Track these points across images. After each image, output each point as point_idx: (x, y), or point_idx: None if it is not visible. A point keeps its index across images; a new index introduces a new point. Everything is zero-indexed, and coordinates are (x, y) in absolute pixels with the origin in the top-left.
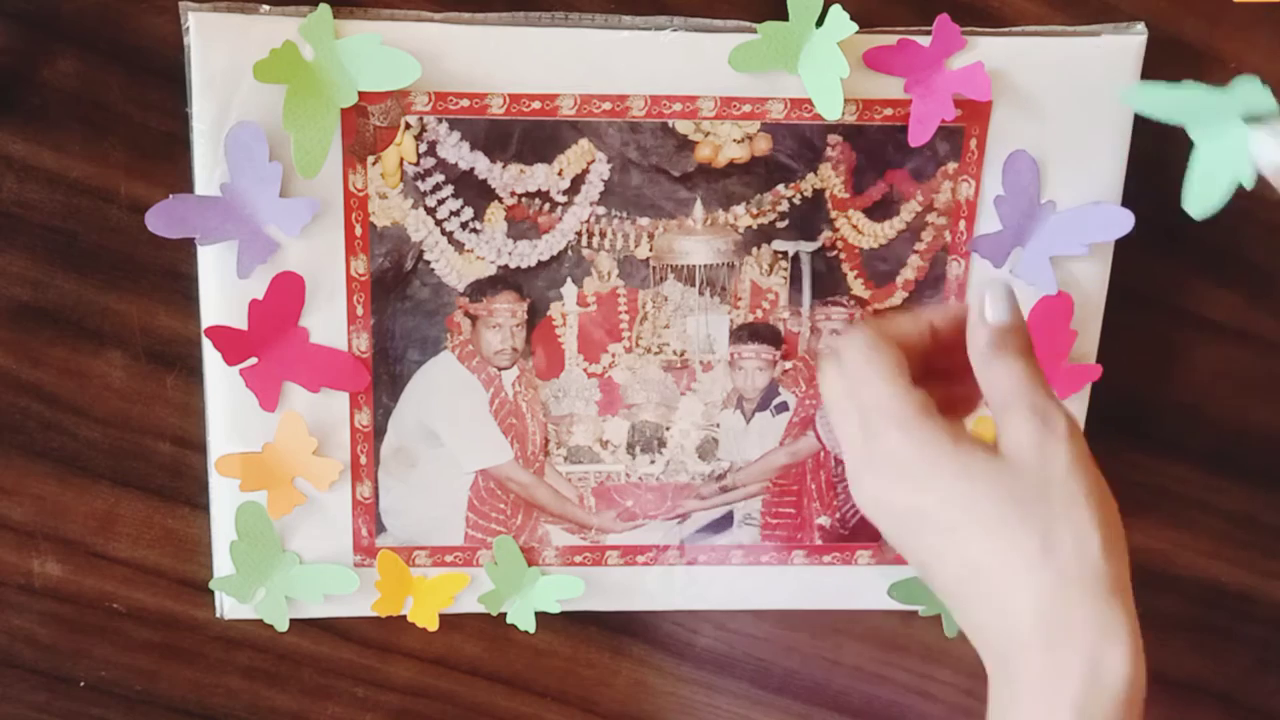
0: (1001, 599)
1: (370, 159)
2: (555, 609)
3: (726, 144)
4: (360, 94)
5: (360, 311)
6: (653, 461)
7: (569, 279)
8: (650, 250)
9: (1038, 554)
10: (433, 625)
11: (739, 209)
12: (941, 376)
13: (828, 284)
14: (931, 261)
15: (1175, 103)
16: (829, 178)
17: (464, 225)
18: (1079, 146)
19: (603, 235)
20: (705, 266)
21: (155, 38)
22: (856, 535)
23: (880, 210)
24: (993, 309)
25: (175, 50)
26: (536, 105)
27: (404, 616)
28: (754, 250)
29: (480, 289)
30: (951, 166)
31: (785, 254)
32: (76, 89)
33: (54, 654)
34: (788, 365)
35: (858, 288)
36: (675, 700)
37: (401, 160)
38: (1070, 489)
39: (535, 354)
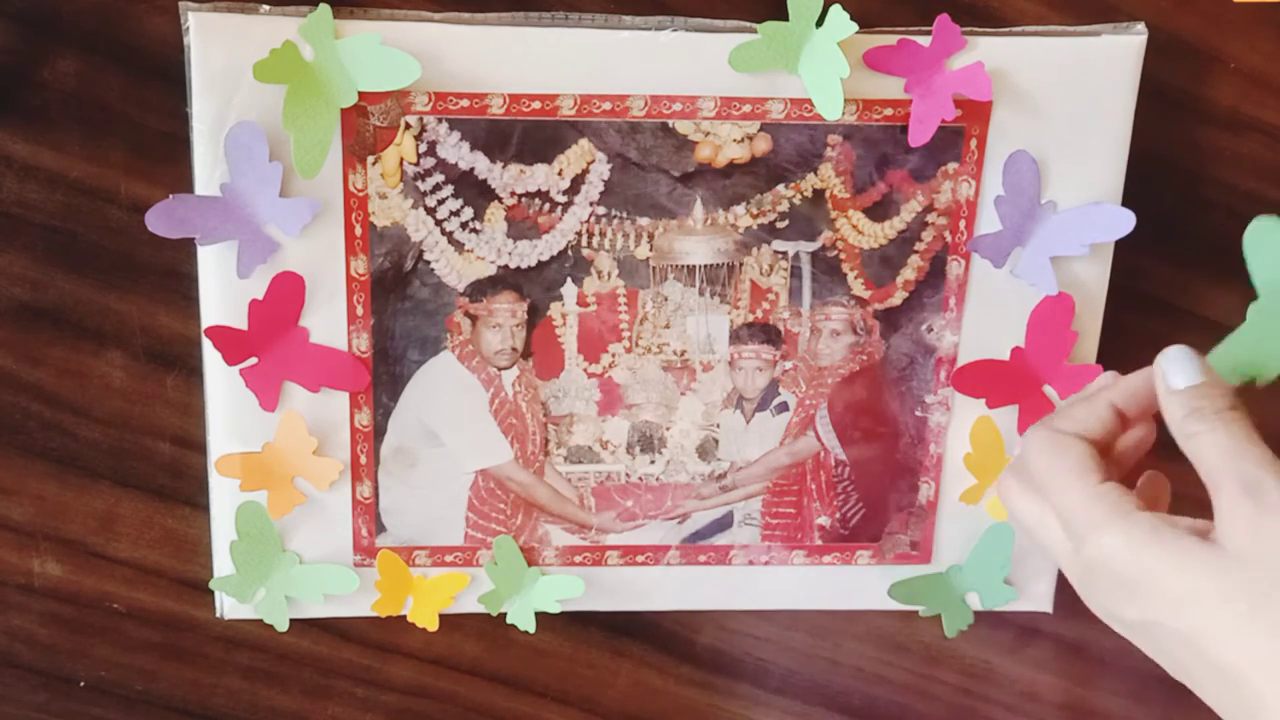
0: (1257, 707)
1: (370, 159)
2: (555, 609)
3: (726, 144)
4: (360, 94)
5: (360, 311)
6: (653, 461)
7: (569, 279)
8: (650, 250)
9: (1276, 652)
10: (433, 625)
11: (739, 209)
12: (1136, 458)
13: (828, 284)
14: (931, 261)
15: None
16: (829, 178)
17: (464, 225)
18: (1079, 146)
19: (603, 235)
20: (705, 266)
21: (155, 38)
22: (856, 535)
23: (880, 210)
24: (1176, 374)
25: (175, 50)
26: (536, 105)
27: (404, 616)
28: (754, 250)
29: (480, 289)
30: (951, 166)
31: (785, 254)
32: (76, 89)
33: (54, 654)
34: (788, 365)
35: (858, 288)
36: (675, 700)
37: (401, 160)
38: None
39: (535, 354)
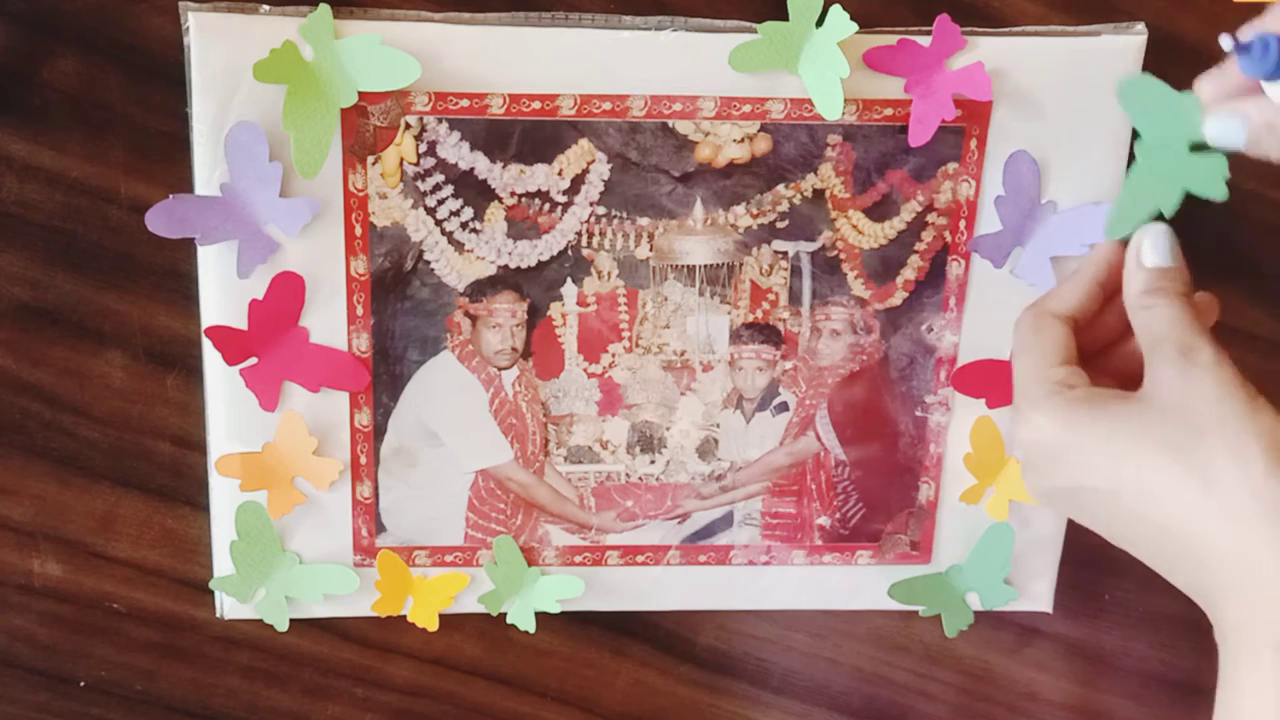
0: (1187, 554)
1: (370, 159)
2: (555, 609)
3: (726, 144)
4: (360, 94)
5: (360, 311)
6: (653, 461)
7: (569, 279)
8: (650, 250)
9: (1200, 496)
10: (433, 625)
11: (739, 209)
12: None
13: (828, 284)
14: (931, 261)
15: (1157, 109)
16: (829, 178)
17: (464, 225)
18: (1079, 146)
19: (603, 235)
20: (705, 266)
21: (155, 38)
22: (856, 535)
23: (880, 210)
24: (1151, 253)
25: (175, 50)
26: (536, 105)
27: (404, 616)
28: (754, 250)
29: (480, 289)
30: (951, 166)
31: (785, 254)
32: (76, 89)
33: (54, 654)
34: (788, 365)
35: (858, 288)
36: (675, 700)
37: (401, 160)
38: (1221, 414)
39: (535, 354)
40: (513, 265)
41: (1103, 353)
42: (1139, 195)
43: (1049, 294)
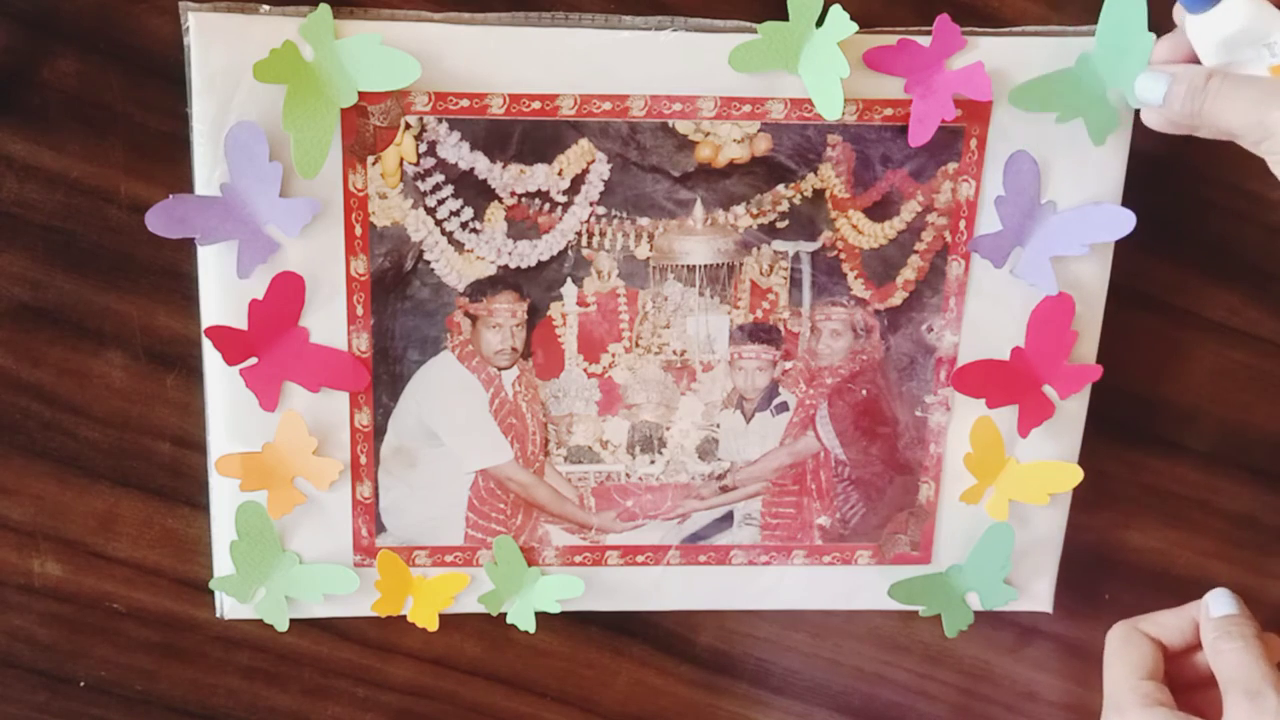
0: None
1: (370, 159)
2: (555, 609)
3: (726, 144)
4: (360, 94)
5: (360, 311)
6: (653, 461)
7: (569, 279)
8: (650, 250)
9: None
10: (433, 625)
11: (739, 209)
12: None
13: (828, 284)
14: (931, 261)
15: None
16: (829, 178)
17: (464, 225)
18: (1079, 146)
19: (603, 235)
20: (705, 266)
21: (155, 38)
22: (856, 535)
23: (880, 210)
24: (1215, 606)
25: (175, 50)
26: (536, 105)
27: (404, 616)
28: (754, 250)
29: (480, 289)
30: (951, 166)
31: (785, 254)
32: (76, 89)
33: (54, 654)
34: (788, 365)
35: (858, 288)
36: (675, 700)
37: (401, 160)
38: None
39: (535, 354)
40: (513, 265)
41: (1195, 688)
42: (1046, 96)
43: (1145, 616)
